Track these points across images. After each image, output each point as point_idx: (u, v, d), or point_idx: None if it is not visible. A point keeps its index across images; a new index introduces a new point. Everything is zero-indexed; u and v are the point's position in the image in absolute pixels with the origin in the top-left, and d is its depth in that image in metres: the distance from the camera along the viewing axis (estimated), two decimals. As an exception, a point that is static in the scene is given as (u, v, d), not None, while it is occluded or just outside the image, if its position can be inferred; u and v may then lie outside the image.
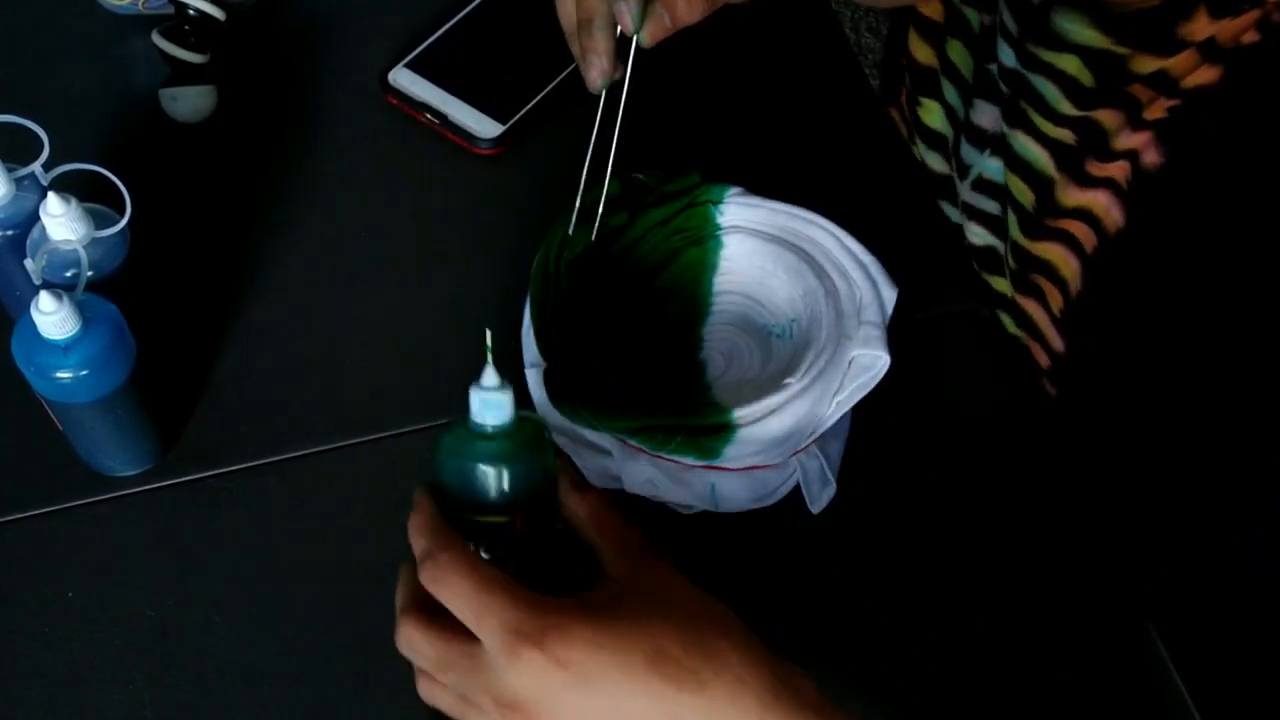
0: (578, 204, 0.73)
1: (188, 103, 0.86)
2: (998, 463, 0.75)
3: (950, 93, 0.81)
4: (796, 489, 0.72)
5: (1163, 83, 0.62)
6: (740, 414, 0.66)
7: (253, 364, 0.77)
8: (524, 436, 0.56)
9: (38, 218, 0.65)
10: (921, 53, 0.86)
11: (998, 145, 0.76)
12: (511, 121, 0.86)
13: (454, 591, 0.53)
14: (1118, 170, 0.65)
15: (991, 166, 0.77)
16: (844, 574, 0.71)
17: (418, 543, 0.55)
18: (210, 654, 0.68)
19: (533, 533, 0.58)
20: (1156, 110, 0.62)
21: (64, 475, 0.72)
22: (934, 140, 0.84)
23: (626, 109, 0.68)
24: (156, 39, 0.85)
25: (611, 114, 0.68)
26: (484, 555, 0.56)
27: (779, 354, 0.73)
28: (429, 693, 0.55)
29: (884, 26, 2.05)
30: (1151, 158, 0.63)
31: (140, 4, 0.90)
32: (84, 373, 0.64)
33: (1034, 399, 0.77)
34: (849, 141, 0.88)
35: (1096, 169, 0.67)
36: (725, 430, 0.66)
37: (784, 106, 0.89)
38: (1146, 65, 0.62)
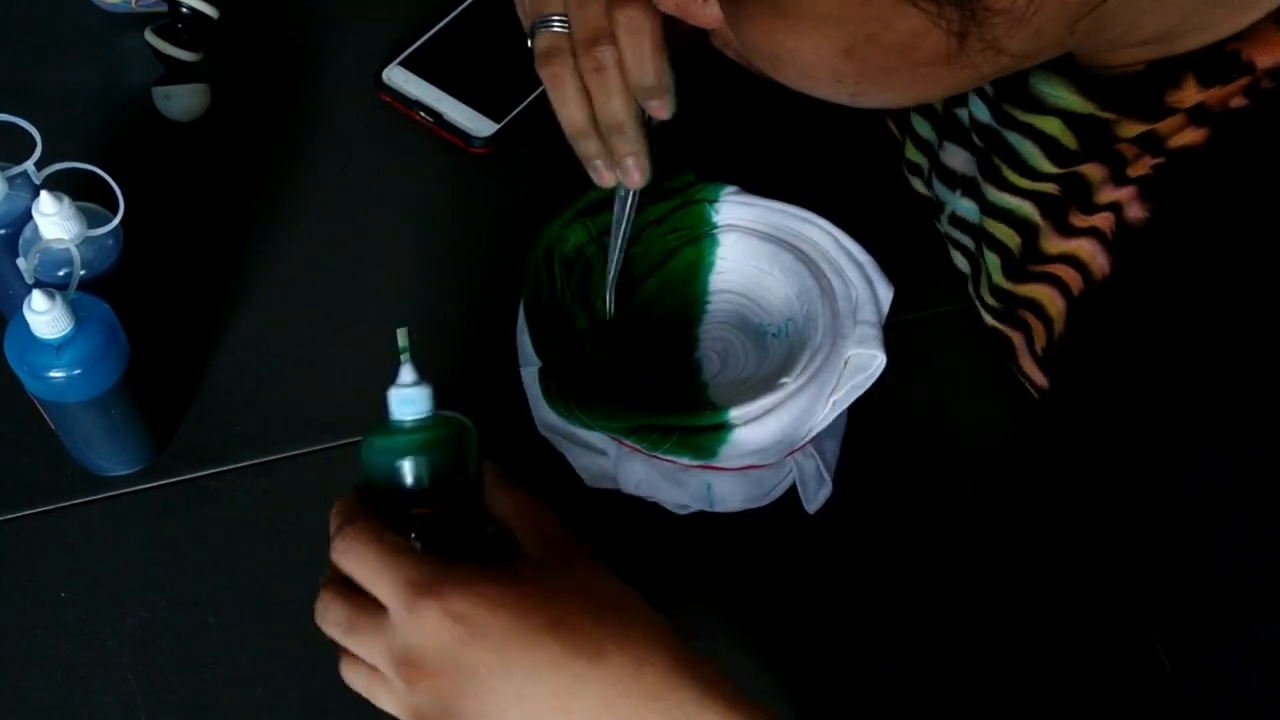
0: (575, 206, 0.73)
1: (181, 101, 0.85)
2: (994, 462, 0.75)
3: (923, 127, 0.80)
4: (792, 489, 0.72)
5: (1149, 142, 0.61)
6: (736, 414, 0.66)
7: (246, 364, 0.77)
8: (443, 431, 0.58)
9: (30, 216, 0.65)
10: None
11: (969, 188, 0.76)
12: (506, 120, 0.86)
13: (359, 558, 0.54)
14: (1102, 220, 0.65)
15: (964, 206, 0.76)
16: (840, 574, 0.71)
17: (333, 523, 0.56)
18: (203, 654, 0.67)
19: (459, 527, 0.59)
20: (1141, 167, 0.62)
21: (56, 475, 0.72)
22: (911, 167, 0.84)
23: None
24: (149, 37, 0.85)
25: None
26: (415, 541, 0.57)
27: (775, 353, 0.73)
28: (347, 673, 0.56)
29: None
30: (1135, 212, 0.63)
31: (133, 2, 0.90)
32: (76, 372, 0.64)
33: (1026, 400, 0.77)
34: (845, 140, 0.88)
35: (1080, 220, 0.66)
36: (721, 430, 0.66)
37: (780, 105, 0.89)
38: (1132, 130, 0.61)
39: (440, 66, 0.88)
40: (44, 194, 0.64)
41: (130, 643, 0.68)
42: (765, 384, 0.68)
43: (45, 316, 0.61)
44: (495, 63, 0.89)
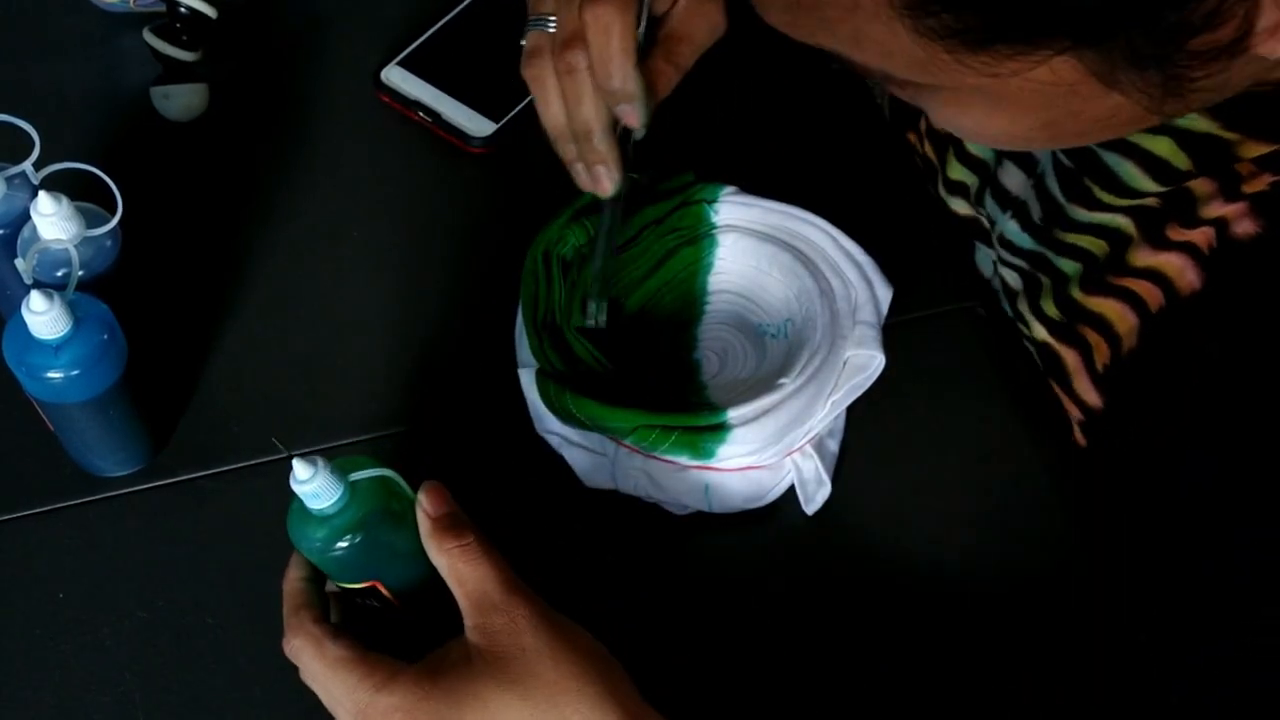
0: (573, 207, 0.73)
1: (179, 101, 0.85)
2: (993, 462, 0.75)
3: (978, 145, 0.79)
4: (791, 490, 0.71)
5: (1270, 161, 0.59)
6: (734, 414, 0.66)
7: (244, 364, 0.77)
8: (363, 508, 0.56)
9: (28, 217, 0.65)
10: None
11: (1019, 210, 0.74)
12: (504, 120, 0.86)
13: (309, 673, 0.58)
14: (1200, 236, 0.63)
15: (1011, 229, 0.75)
16: (839, 575, 0.71)
17: (284, 611, 0.60)
18: (201, 655, 0.67)
19: (402, 589, 0.59)
20: (1258, 184, 0.60)
21: (55, 475, 0.72)
22: (954, 187, 0.82)
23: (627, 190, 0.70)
24: (148, 37, 0.85)
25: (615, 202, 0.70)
26: (372, 602, 0.60)
27: (773, 354, 0.72)
28: None
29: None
30: (1245, 228, 0.61)
31: (131, 1, 0.89)
32: (75, 373, 0.63)
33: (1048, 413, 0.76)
34: (844, 140, 0.88)
35: (1177, 234, 0.64)
36: (719, 430, 0.66)
37: (778, 105, 0.89)
38: (1255, 150, 0.59)
39: (439, 66, 0.88)
40: (42, 194, 0.63)
41: (128, 643, 0.67)
42: (764, 384, 0.68)
43: (43, 317, 0.61)
44: (494, 63, 0.89)
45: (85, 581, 0.69)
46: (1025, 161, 0.74)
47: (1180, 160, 0.62)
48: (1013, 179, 0.75)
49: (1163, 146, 0.62)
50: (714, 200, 0.74)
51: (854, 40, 0.48)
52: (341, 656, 0.56)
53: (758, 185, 0.75)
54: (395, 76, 0.88)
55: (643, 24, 0.64)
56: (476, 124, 0.86)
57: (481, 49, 0.89)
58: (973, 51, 0.46)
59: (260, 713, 0.66)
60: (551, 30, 0.66)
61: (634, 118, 0.65)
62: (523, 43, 0.67)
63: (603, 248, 0.70)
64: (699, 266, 0.75)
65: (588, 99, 0.65)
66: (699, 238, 0.75)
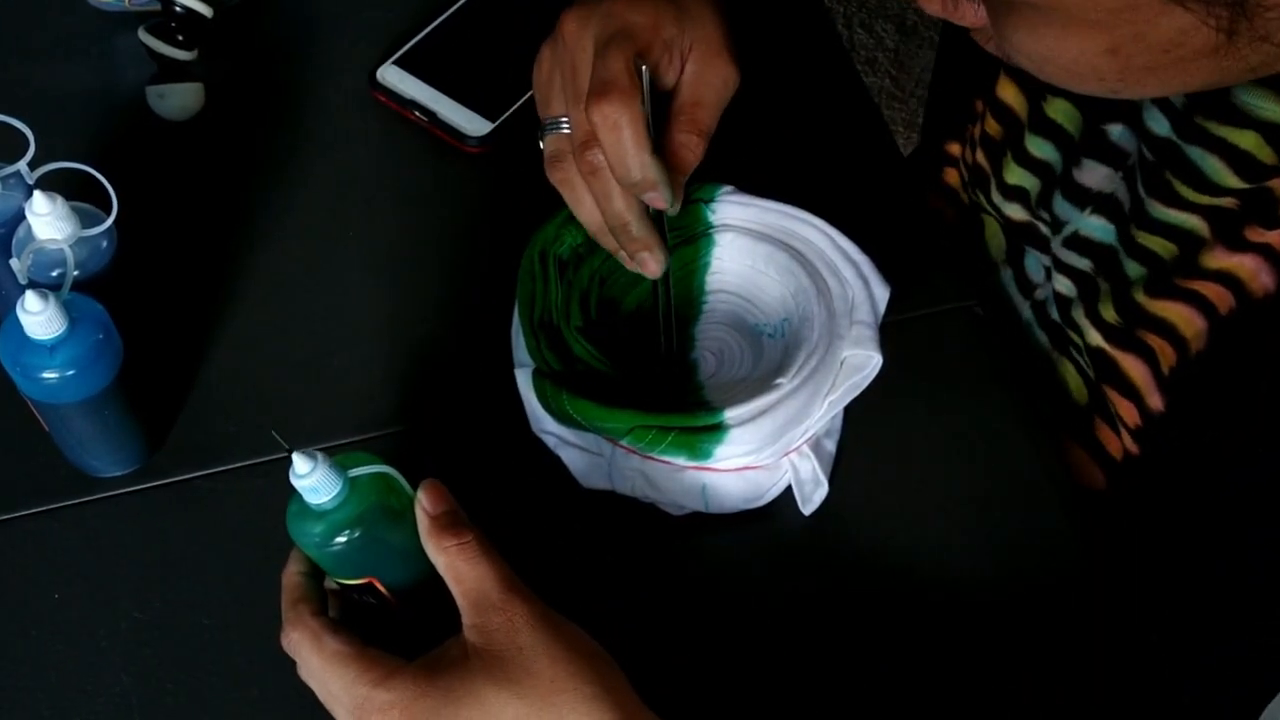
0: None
1: (175, 100, 0.85)
2: (991, 462, 0.75)
3: (1042, 148, 0.78)
4: (788, 490, 0.71)
5: None
6: (731, 414, 0.66)
7: (240, 364, 0.77)
8: (361, 504, 0.56)
9: (23, 216, 0.65)
10: (1015, 101, 0.80)
11: (1103, 205, 0.74)
12: (501, 119, 0.86)
13: (306, 667, 0.58)
14: (1276, 237, 0.62)
15: (1092, 224, 0.74)
16: (837, 575, 0.71)
17: (283, 604, 0.60)
18: (198, 656, 0.67)
19: (402, 591, 0.59)
20: None
21: (50, 476, 0.72)
22: (1012, 192, 0.82)
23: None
24: (143, 36, 0.84)
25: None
26: (369, 599, 0.59)
27: (770, 354, 0.72)
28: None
29: (877, 24, 2.05)
30: None
31: (127, 1, 0.89)
32: (70, 373, 0.63)
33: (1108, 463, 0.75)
34: (841, 139, 0.88)
35: (1256, 235, 0.63)
36: (716, 431, 0.66)
37: (776, 104, 0.89)
38: None
39: (435, 65, 0.88)
40: (37, 194, 0.63)
41: (124, 644, 0.67)
42: (761, 384, 0.68)
43: (39, 317, 0.61)
44: (490, 62, 0.88)
45: (81, 582, 0.69)
46: (1111, 155, 0.73)
47: (1265, 154, 0.61)
48: (1093, 175, 0.74)
49: (1248, 140, 0.61)
50: (711, 199, 0.74)
51: None
52: (339, 651, 0.56)
53: (755, 184, 0.75)
54: (391, 76, 0.87)
55: (647, 108, 0.64)
56: (473, 123, 0.85)
57: (478, 48, 0.89)
58: None
59: (257, 713, 0.66)
60: (567, 132, 0.66)
61: (661, 201, 0.66)
62: (541, 145, 0.69)
63: (663, 323, 0.72)
64: (696, 266, 0.75)
65: (616, 195, 0.66)
66: (696, 237, 0.75)
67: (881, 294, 0.71)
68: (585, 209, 0.68)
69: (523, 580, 0.57)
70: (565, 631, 0.56)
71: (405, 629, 0.60)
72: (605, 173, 0.65)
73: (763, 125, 0.88)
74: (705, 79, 0.67)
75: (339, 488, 0.55)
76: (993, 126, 0.82)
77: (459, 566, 0.56)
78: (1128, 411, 0.72)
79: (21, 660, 0.67)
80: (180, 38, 0.84)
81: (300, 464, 0.54)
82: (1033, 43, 0.52)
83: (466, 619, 0.56)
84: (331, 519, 0.55)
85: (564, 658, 0.54)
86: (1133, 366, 0.71)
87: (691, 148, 0.66)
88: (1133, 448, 0.72)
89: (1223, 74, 0.51)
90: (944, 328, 0.79)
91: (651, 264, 0.69)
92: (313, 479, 0.54)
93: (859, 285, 0.71)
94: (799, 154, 0.87)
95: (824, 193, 0.76)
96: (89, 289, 0.65)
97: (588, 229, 0.70)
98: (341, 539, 0.56)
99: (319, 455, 0.54)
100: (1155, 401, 0.70)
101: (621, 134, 0.63)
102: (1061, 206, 0.77)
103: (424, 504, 0.58)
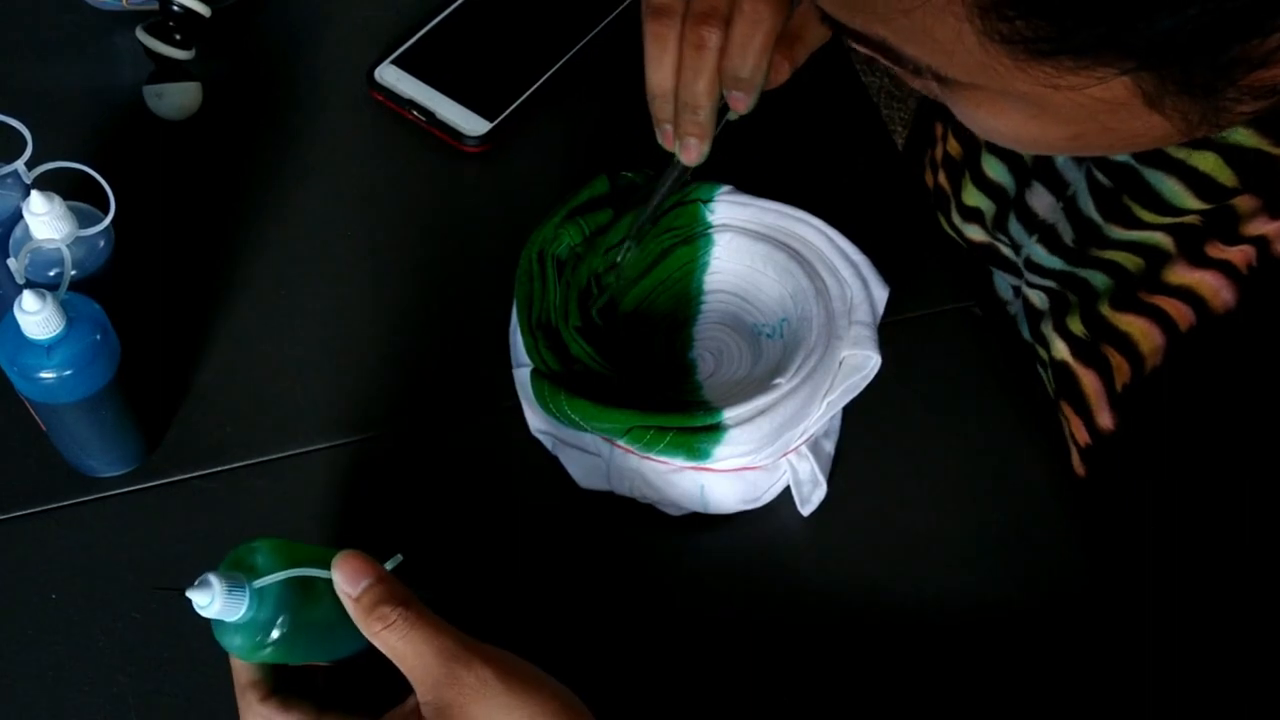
0: (568, 206, 0.73)
1: (172, 100, 0.85)
2: (989, 462, 0.75)
3: (997, 169, 0.78)
4: (787, 491, 0.71)
5: None
6: (730, 414, 0.66)
7: (238, 364, 0.77)
8: (276, 604, 0.54)
9: (20, 216, 0.65)
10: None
11: (1045, 234, 0.73)
12: (499, 118, 0.85)
13: None
14: (1238, 254, 0.62)
15: (1039, 252, 0.74)
16: (835, 576, 0.71)
17: (235, 689, 0.59)
18: (196, 656, 0.67)
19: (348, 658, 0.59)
20: None
21: (47, 476, 0.72)
22: (969, 213, 0.81)
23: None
24: (141, 35, 0.84)
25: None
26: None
27: (769, 354, 0.72)
28: None
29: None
30: None
31: (124, 0, 0.89)
32: (67, 373, 0.63)
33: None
34: (840, 139, 0.88)
35: (1217, 251, 0.63)
36: (715, 431, 0.66)
37: (774, 104, 0.89)
38: None
39: (433, 65, 0.88)
40: (34, 193, 0.63)
41: (122, 644, 0.67)
42: (759, 385, 0.68)
43: (36, 317, 0.61)
44: (488, 61, 0.88)
45: (78, 582, 0.69)
46: (1054, 183, 0.73)
47: (1225, 176, 0.61)
48: (1040, 201, 0.74)
49: (1208, 162, 0.61)
50: (709, 199, 0.74)
51: (911, 34, 0.47)
52: None
53: (753, 184, 0.75)
54: (389, 75, 0.87)
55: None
56: (471, 123, 0.85)
57: (476, 47, 0.89)
58: (1036, 60, 0.44)
59: (254, 714, 0.66)
60: None
61: (745, 104, 0.65)
62: None
63: (657, 201, 0.71)
64: (694, 266, 0.75)
65: (706, 77, 0.65)
66: (694, 237, 0.74)
67: (880, 294, 0.71)
68: (661, 71, 0.66)
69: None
70: (519, 688, 0.53)
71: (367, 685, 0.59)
72: (710, 53, 0.64)
73: (761, 125, 0.88)
74: (812, 20, 0.66)
75: (245, 602, 0.53)
76: (954, 147, 0.83)
77: (394, 646, 0.54)
78: (1079, 430, 0.72)
79: (19, 660, 0.67)
80: (178, 37, 0.84)
81: (199, 598, 0.52)
82: (990, 119, 0.51)
83: (419, 696, 0.54)
84: (250, 629, 0.54)
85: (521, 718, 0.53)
86: (1090, 382, 0.71)
87: (781, 71, 0.66)
88: (1080, 469, 0.72)
89: (1173, 143, 0.52)
90: (943, 328, 0.79)
91: (694, 151, 0.68)
92: (215, 607, 0.52)
93: (858, 285, 0.71)
94: (798, 154, 0.87)
95: (822, 192, 0.76)
96: (86, 289, 0.65)
97: (650, 88, 0.67)
98: (272, 639, 0.54)
99: (213, 579, 0.52)
100: (1105, 420, 0.70)
101: (759, 32, 0.62)
102: (1015, 230, 0.77)
103: (342, 586, 0.55)
